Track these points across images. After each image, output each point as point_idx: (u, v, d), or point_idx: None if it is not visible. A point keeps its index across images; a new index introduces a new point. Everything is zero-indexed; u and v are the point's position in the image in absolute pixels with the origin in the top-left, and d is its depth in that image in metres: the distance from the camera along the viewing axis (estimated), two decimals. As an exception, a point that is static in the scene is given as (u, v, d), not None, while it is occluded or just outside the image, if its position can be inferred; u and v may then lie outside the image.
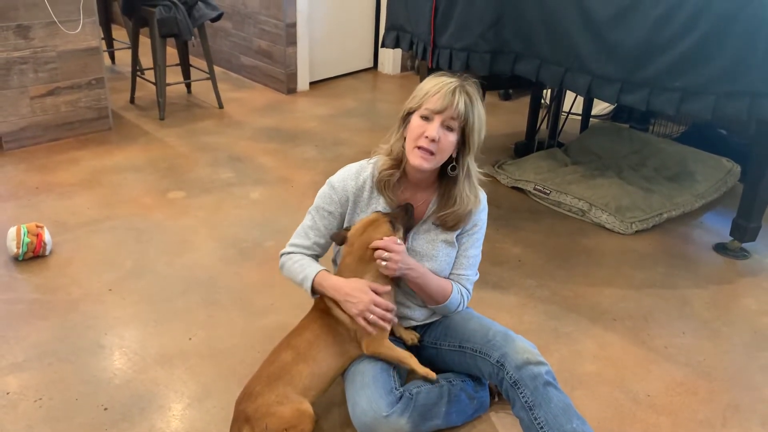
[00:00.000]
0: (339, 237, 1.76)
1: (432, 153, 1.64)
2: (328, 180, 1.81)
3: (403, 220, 1.72)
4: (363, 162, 1.82)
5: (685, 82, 2.38)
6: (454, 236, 1.80)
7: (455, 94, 1.62)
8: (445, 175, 1.74)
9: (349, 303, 1.67)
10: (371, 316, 1.65)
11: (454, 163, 1.71)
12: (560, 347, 2.20)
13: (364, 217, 1.74)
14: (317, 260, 1.83)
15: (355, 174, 1.79)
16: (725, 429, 1.89)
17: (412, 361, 1.74)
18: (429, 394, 1.73)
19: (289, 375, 1.65)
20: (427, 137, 1.62)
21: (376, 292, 1.68)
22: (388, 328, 1.71)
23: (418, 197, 1.79)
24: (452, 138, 1.66)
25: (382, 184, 1.75)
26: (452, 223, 1.77)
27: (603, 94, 2.59)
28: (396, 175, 1.74)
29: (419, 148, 1.65)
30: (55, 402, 1.87)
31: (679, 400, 2.00)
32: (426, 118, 1.64)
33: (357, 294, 1.67)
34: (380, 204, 1.77)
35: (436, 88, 1.64)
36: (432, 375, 1.75)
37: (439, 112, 1.63)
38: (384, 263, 1.66)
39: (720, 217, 3.20)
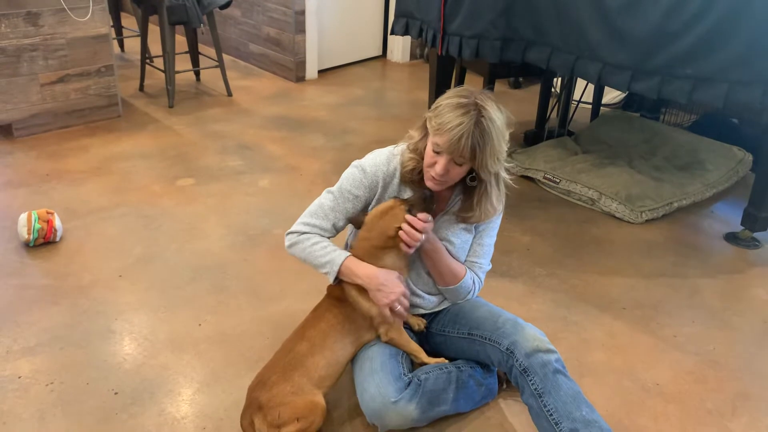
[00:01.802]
0: (357, 221, 1.77)
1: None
2: (355, 163, 1.80)
3: (421, 206, 1.72)
4: (390, 148, 1.81)
5: (696, 69, 2.36)
6: (473, 224, 1.82)
7: (461, 141, 1.56)
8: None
9: (380, 293, 1.68)
10: (398, 307, 1.68)
11: (473, 174, 1.69)
12: (569, 335, 2.20)
13: (382, 203, 1.74)
14: None
15: (386, 161, 1.78)
16: (735, 418, 1.89)
17: (422, 355, 1.80)
18: (437, 380, 1.73)
19: (304, 366, 1.66)
20: (435, 170, 1.63)
21: None
22: (403, 319, 1.76)
23: (441, 192, 1.79)
24: (462, 170, 1.65)
25: (406, 178, 1.76)
26: (473, 220, 1.78)
27: (614, 81, 2.57)
28: (418, 170, 1.73)
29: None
30: (66, 386, 1.89)
31: (688, 388, 1.99)
32: (437, 152, 1.63)
33: (390, 285, 1.68)
34: (408, 193, 1.78)
35: (449, 126, 1.56)
36: (443, 360, 1.81)
37: (446, 152, 1.60)
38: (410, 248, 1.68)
39: (731, 206, 3.18)
